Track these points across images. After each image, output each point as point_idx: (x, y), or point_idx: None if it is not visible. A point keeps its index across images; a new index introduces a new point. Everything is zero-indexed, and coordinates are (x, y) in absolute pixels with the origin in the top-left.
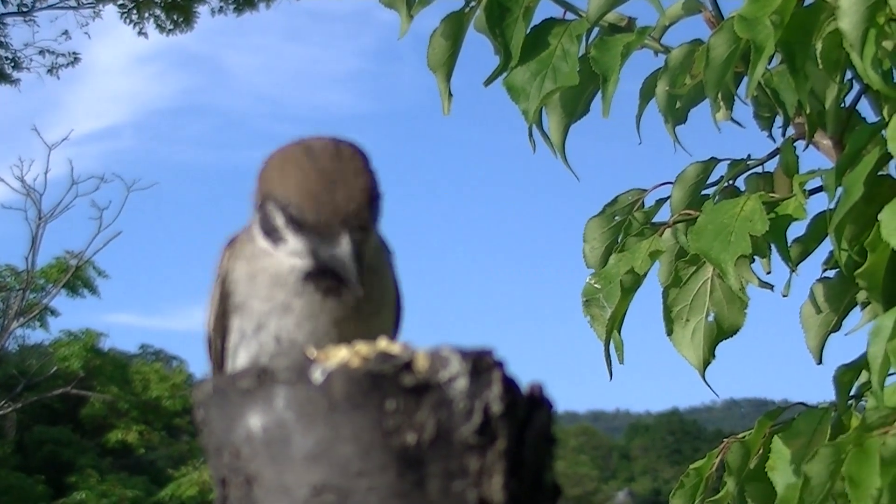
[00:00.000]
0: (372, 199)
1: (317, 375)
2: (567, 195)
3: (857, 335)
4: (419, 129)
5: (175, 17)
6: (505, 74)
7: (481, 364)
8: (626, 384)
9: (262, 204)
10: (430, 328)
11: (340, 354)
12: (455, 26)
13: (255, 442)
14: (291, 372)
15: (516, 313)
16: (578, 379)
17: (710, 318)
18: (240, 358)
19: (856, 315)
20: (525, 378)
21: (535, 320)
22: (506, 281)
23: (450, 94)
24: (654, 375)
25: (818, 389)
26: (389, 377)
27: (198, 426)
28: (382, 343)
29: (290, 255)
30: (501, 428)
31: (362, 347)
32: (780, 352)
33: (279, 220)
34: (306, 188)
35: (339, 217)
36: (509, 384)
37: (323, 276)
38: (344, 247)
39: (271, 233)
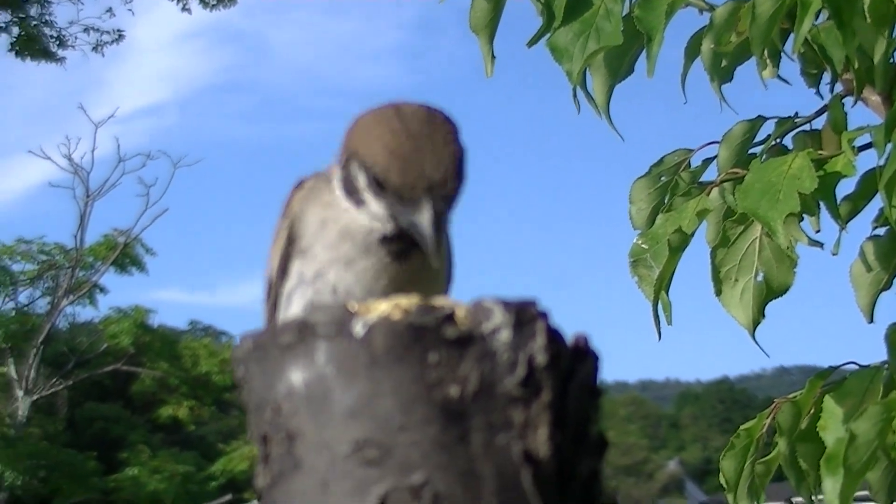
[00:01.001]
0: (459, 169)
1: (358, 329)
2: (612, 157)
3: None
4: (461, 99)
5: None
6: (548, 36)
7: (525, 315)
8: (676, 352)
9: (347, 162)
10: (475, 292)
11: (381, 307)
12: None
13: (295, 398)
14: (332, 326)
15: (562, 279)
16: (627, 348)
17: (759, 278)
18: (293, 304)
19: None
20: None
21: (582, 287)
22: (551, 246)
23: (492, 56)
24: (703, 344)
25: (870, 351)
26: (431, 329)
27: (238, 383)
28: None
29: (371, 218)
30: (546, 380)
31: (403, 300)
32: (832, 315)
33: (362, 181)
34: (393, 150)
35: (424, 183)
36: (553, 335)
37: (397, 239)
38: (426, 216)
39: (353, 193)
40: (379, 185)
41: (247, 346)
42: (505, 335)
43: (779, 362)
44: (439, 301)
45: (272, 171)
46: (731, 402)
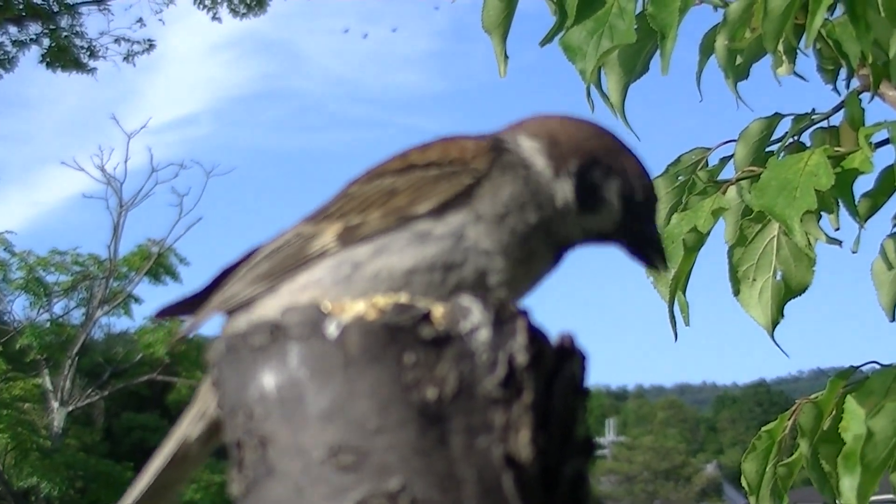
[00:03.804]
0: None
1: (331, 330)
2: None
3: None
4: (491, 104)
5: (248, 1)
6: (561, 34)
7: (504, 313)
8: (712, 356)
9: (588, 167)
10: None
11: (356, 307)
12: None
13: (268, 401)
14: (304, 327)
15: (591, 286)
16: (664, 352)
17: (778, 277)
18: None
19: None
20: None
21: (615, 291)
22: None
23: (506, 56)
24: (739, 346)
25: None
26: (407, 329)
27: (214, 387)
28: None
29: (597, 223)
30: (527, 380)
31: (379, 299)
32: (865, 315)
33: (613, 188)
34: (641, 164)
35: (657, 198)
36: (535, 334)
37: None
38: (654, 227)
39: (590, 198)
40: (630, 195)
41: (219, 348)
42: (484, 334)
43: (816, 364)
44: (415, 300)
45: (305, 178)
46: (768, 404)
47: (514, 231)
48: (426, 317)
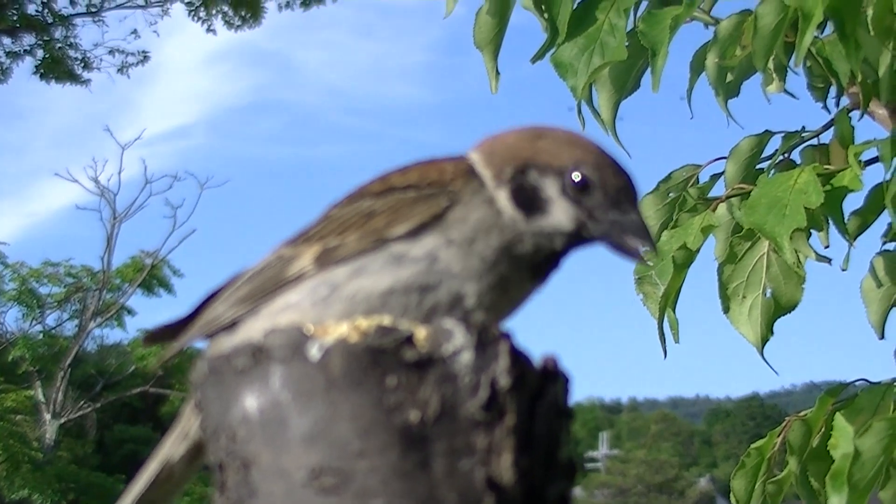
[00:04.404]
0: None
1: (313, 352)
2: None
3: None
4: (486, 117)
5: (242, 13)
6: (553, 51)
7: (487, 336)
8: (705, 369)
9: (519, 174)
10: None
11: (339, 329)
12: (501, 3)
13: (251, 424)
14: (287, 349)
15: (583, 301)
16: (658, 366)
17: (768, 294)
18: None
19: None
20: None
21: (606, 305)
22: (565, 265)
23: (497, 73)
24: (732, 359)
25: (885, 366)
26: (390, 352)
27: (197, 409)
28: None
29: (550, 226)
30: (510, 403)
31: (362, 321)
32: (856, 330)
33: (551, 188)
34: (598, 154)
35: (633, 189)
36: (518, 356)
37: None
38: (637, 214)
39: (530, 201)
40: (584, 187)
41: (202, 370)
42: (466, 357)
43: (809, 378)
44: (399, 322)
45: (300, 190)
46: (762, 417)
47: (483, 257)
48: (409, 339)
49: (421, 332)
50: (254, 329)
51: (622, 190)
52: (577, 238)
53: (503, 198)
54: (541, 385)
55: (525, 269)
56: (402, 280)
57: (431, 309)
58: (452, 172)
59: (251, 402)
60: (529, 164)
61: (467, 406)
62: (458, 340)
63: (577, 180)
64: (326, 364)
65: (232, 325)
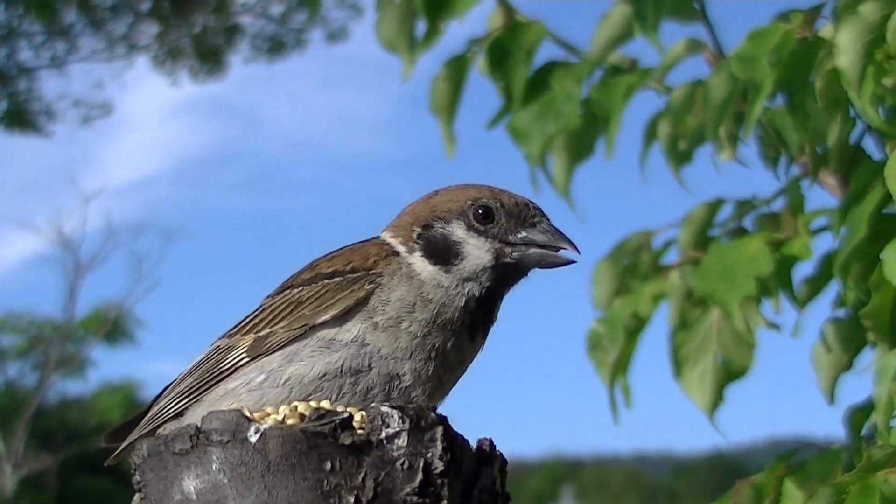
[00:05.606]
0: None
1: (251, 435)
2: (574, 237)
3: (870, 374)
4: (453, 171)
5: (207, 66)
6: (508, 117)
7: (422, 420)
8: (667, 423)
9: (426, 228)
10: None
11: (278, 412)
12: (457, 70)
13: None
14: (225, 433)
15: (541, 359)
16: (618, 421)
17: (719, 360)
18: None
19: (868, 353)
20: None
21: (565, 362)
22: (524, 325)
23: (453, 138)
24: (693, 414)
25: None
26: (327, 435)
27: (137, 490)
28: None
29: (461, 279)
30: (444, 486)
31: (301, 405)
32: (810, 392)
33: (458, 229)
34: (491, 186)
35: (532, 203)
36: (454, 440)
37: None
38: (545, 222)
39: (444, 251)
40: (488, 216)
41: (142, 453)
42: (402, 441)
43: (770, 432)
44: (336, 405)
45: (266, 242)
46: (724, 471)
47: (412, 333)
48: (346, 422)
49: (357, 416)
50: (196, 416)
51: (523, 206)
52: (502, 271)
53: (418, 259)
54: (476, 468)
55: (460, 331)
56: (333, 364)
57: (366, 391)
58: (375, 255)
59: (190, 484)
60: (431, 218)
61: (403, 490)
62: (394, 424)
63: (479, 212)
64: (264, 447)
65: (178, 416)
